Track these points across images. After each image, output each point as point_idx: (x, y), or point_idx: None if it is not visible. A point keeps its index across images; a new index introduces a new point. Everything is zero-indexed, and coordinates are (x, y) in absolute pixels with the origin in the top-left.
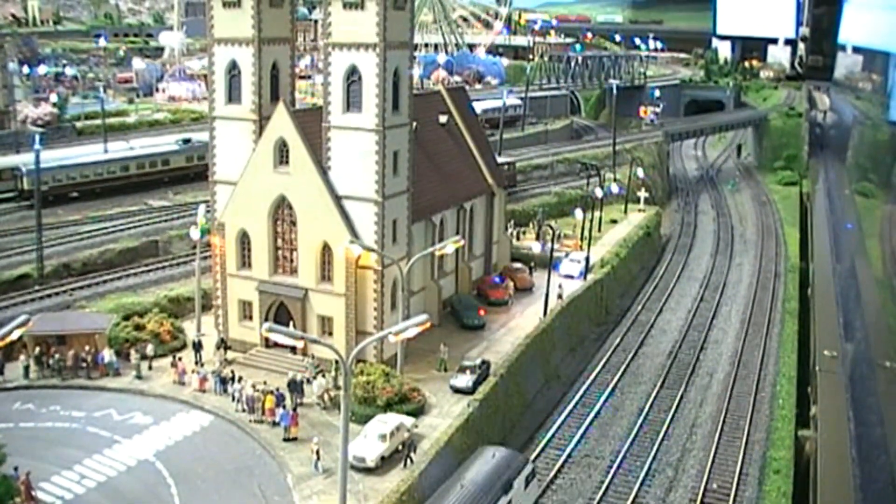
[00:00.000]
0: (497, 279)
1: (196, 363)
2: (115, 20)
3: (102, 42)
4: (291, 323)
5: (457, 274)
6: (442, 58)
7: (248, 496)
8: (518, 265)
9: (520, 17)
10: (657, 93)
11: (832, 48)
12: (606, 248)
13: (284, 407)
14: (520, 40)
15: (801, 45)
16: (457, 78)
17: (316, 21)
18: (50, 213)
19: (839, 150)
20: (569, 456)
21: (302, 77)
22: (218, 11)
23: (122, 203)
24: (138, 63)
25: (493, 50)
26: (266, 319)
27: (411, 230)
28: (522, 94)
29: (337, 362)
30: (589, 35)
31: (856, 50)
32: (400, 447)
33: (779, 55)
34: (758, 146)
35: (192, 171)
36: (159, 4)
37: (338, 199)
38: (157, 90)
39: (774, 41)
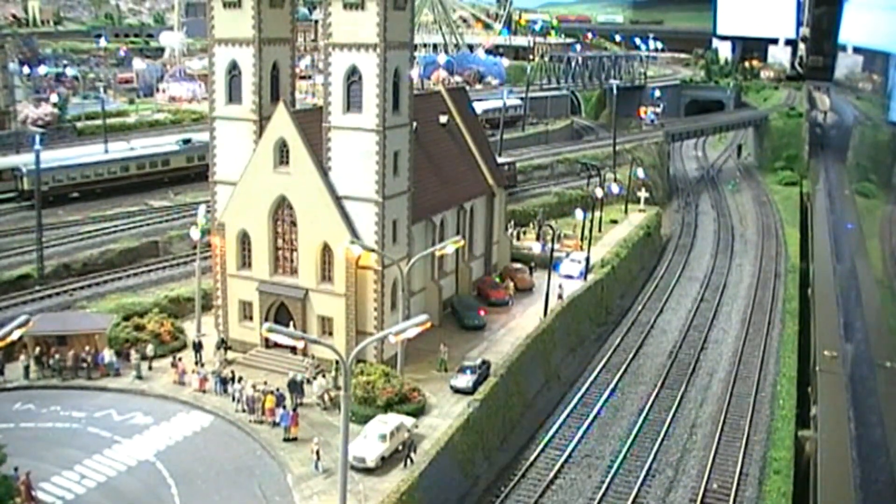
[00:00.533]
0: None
1: (196, 363)
2: (116, 20)
3: (103, 42)
4: (292, 323)
5: (457, 274)
6: (442, 58)
7: (249, 496)
8: (518, 265)
9: (520, 17)
10: (657, 93)
11: (832, 48)
12: (607, 248)
13: (284, 407)
14: (520, 40)
15: (802, 46)
16: (457, 78)
17: (316, 21)
18: (50, 213)
19: (839, 151)
20: (569, 456)
21: (302, 77)
22: (218, 12)
23: (123, 203)
24: (139, 63)
25: (494, 50)
26: (266, 319)
27: (411, 230)
28: (523, 95)
29: (337, 362)
30: (588, 35)
31: (856, 50)
32: (400, 447)
33: (779, 55)
34: (758, 146)
35: (193, 172)
36: (160, 5)
37: (338, 200)
38: (158, 90)
39: (775, 41)
